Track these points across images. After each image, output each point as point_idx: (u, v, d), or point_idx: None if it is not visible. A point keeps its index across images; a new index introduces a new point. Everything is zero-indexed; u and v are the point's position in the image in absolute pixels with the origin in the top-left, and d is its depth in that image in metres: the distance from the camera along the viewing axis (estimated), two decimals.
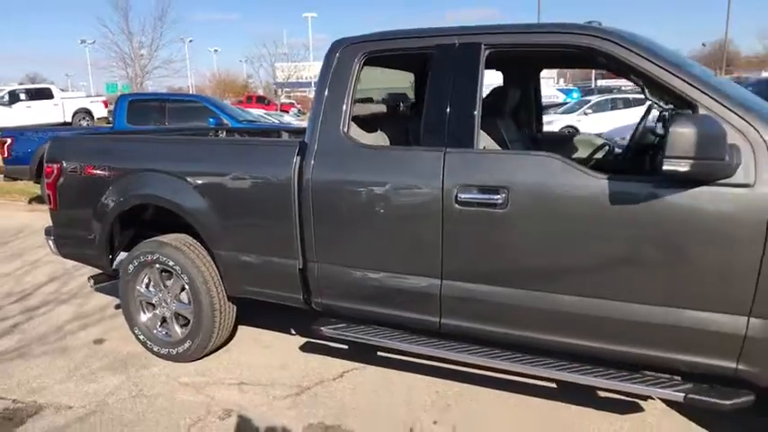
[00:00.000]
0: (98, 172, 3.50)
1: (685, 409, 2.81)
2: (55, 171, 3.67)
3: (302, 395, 3.09)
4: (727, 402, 2.25)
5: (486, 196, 2.47)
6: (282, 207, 2.93)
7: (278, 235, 2.99)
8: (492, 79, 3.67)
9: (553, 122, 16.20)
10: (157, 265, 3.41)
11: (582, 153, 3.99)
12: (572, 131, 14.91)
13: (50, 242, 3.88)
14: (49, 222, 3.87)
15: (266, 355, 3.60)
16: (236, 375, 3.33)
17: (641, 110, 14.90)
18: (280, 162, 2.92)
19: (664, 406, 2.86)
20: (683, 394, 2.29)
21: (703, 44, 56.40)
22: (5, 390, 3.18)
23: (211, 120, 8.42)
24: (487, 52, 2.61)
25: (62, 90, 25.58)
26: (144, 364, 3.48)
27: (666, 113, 2.72)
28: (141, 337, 3.57)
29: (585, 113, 17.31)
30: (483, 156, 2.58)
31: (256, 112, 15.00)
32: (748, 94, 2.58)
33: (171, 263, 3.33)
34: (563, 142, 4.26)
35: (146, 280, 3.53)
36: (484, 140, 3.00)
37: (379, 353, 3.46)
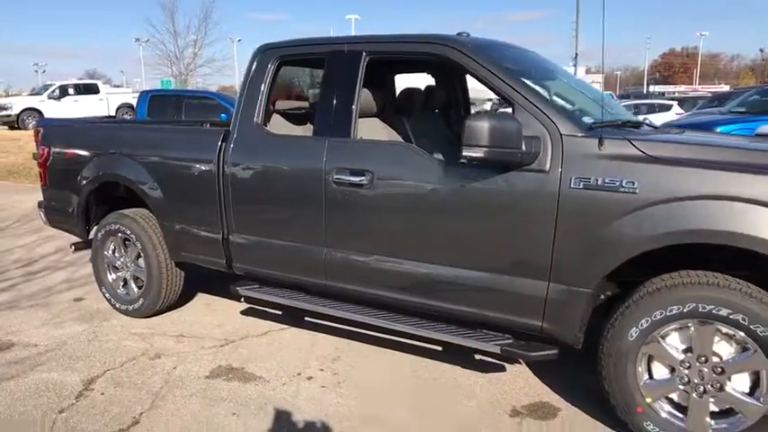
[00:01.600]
0: (77, 154, 4.17)
1: (538, 370, 3.22)
2: (45, 153, 4.37)
3: (225, 346, 3.65)
4: (533, 354, 2.68)
5: (355, 178, 2.96)
6: (209, 185, 3.49)
7: (206, 209, 3.55)
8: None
9: None
10: (120, 234, 4.04)
11: None
12: None
13: (41, 213, 4.59)
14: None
15: (210, 316, 4.18)
16: (178, 330, 3.92)
17: (665, 115, 14.77)
18: (207, 148, 3.49)
19: (522, 367, 3.27)
20: (500, 347, 2.72)
21: (761, 50, 54.30)
22: None
23: (223, 115, 9.13)
24: (368, 58, 3.10)
25: (116, 86, 27.24)
26: (107, 318, 4.12)
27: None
28: (107, 295, 4.21)
29: None
30: (355, 144, 3.06)
31: None
32: (576, 95, 2.99)
33: (128, 232, 3.95)
34: None
35: (111, 246, 4.16)
36: (385, 134, 3.49)
37: (306, 318, 3.97)
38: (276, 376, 3.21)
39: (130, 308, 4.08)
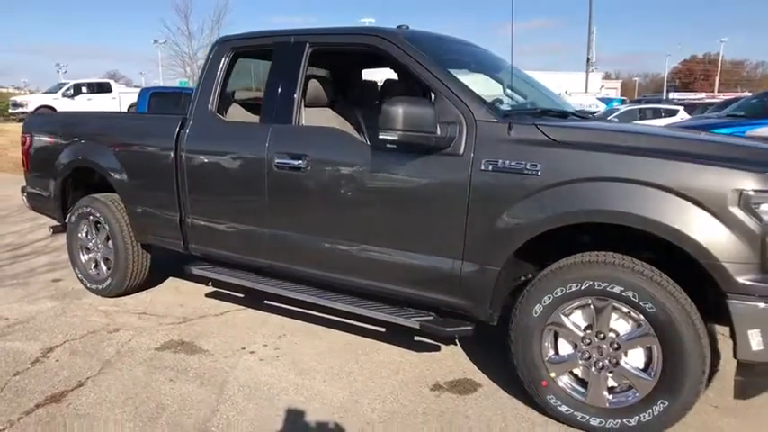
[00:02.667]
0: (53, 141, 4.40)
1: (470, 351, 3.35)
2: (27, 140, 4.62)
3: (182, 324, 3.83)
4: (448, 329, 2.81)
5: (294, 161, 3.13)
6: (167, 170, 3.69)
7: (165, 193, 3.74)
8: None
9: None
10: (91, 217, 4.26)
11: None
12: None
13: (24, 198, 4.84)
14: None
15: (175, 296, 4.37)
16: (142, 308, 4.12)
17: (670, 120, 14.73)
18: (165, 134, 3.69)
19: (457, 348, 3.40)
20: (419, 323, 2.86)
21: None
22: None
23: None
24: (311, 50, 3.26)
25: (136, 87, 27.82)
26: (78, 297, 4.33)
27: None
28: (79, 275, 4.43)
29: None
30: (294, 129, 3.23)
31: None
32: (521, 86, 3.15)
33: (99, 215, 4.17)
34: None
35: (84, 229, 4.38)
36: (336, 123, 3.64)
37: (265, 301, 4.14)
38: (221, 350, 3.38)
39: (100, 287, 4.29)
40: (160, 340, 3.53)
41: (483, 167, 2.59)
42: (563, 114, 3.17)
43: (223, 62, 3.59)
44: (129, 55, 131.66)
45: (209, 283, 4.57)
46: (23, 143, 4.68)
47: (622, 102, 24.25)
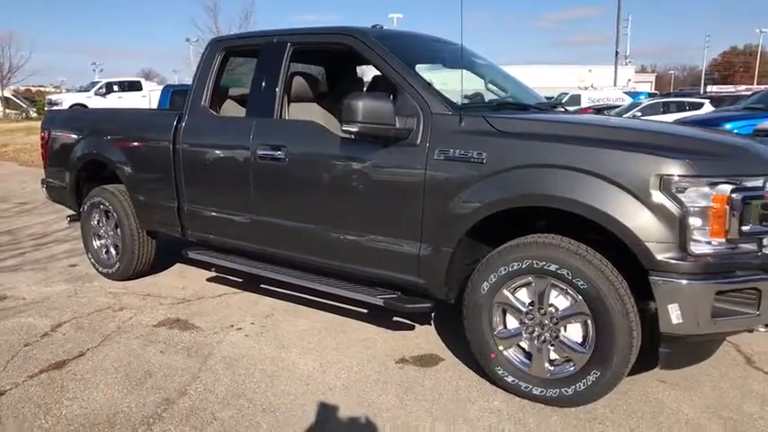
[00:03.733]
0: (69, 136, 4.77)
1: (442, 330, 3.57)
2: (46, 135, 5.01)
3: (181, 304, 4.15)
4: (408, 306, 3.05)
5: (274, 152, 3.39)
6: (166, 161, 4.00)
7: (164, 183, 4.06)
8: None
9: None
10: (102, 206, 4.61)
11: None
12: None
13: (43, 189, 5.24)
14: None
15: (179, 280, 4.70)
16: (147, 290, 4.45)
17: (695, 114, 14.66)
18: (164, 128, 4.00)
19: (429, 328, 3.62)
20: (383, 300, 3.09)
21: None
22: None
23: None
24: (292, 49, 3.52)
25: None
26: (90, 280, 4.70)
27: None
28: (92, 260, 4.80)
29: (635, 116, 17.07)
30: (275, 122, 3.49)
31: None
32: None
33: (108, 204, 4.52)
34: None
35: (96, 217, 4.74)
36: (321, 116, 3.89)
37: (261, 285, 4.43)
38: (211, 327, 3.68)
39: (110, 271, 4.65)
40: (158, 318, 3.85)
41: (436, 156, 2.81)
42: (523, 107, 3.36)
43: (216, 61, 3.88)
44: (164, 54, 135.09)
45: (212, 269, 4.87)
46: (42, 138, 5.07)
47: (649, 95, 23.88)
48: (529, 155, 2.59)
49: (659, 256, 2.33)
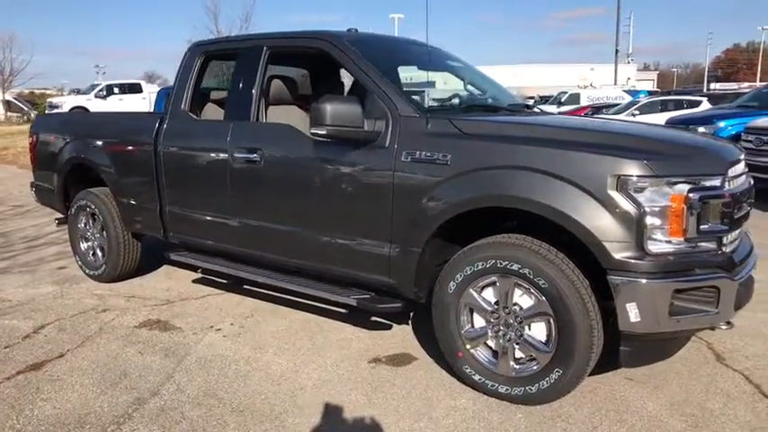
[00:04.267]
0: (55, 140, 4.83)
1: (419, 330, 3.61)
2: (34, 139, 5.07)
3: (164, 305, 4.20)
4: (380, 306, 3.09)
5: (250, 155, 3.44)
6: (148, 164, 4.05)
7: (146, 185, 4.12)
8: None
9: None
10: (88, 209, 4.67)
11: None
12: None
13: (33, 192, 5.30)
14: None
15: (164, 282, 4.76)
16: (132, 292, 4.51)
17: (690, 111, 14.53)
18: (147, 130, 4.05)
19: (407, 328, 3.66)
20: (356, 300, 3.14)
21: None
22: None
23: None
24: (268, 52, 3.57)
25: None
26: (77, 282, 4.76)
27: None
28: (79, 262, 4.86)
29: (633, 114, 17.06)
30: (251, 125, 3.54)
31: None
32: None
33: (93, 207, 4.58)
34: None
35: (83, 219, 4.80)
36: (301, 120, 3.93)
37: (245, 286, 4.48)
38: (192, 328, 3.73)
39: (96, 273, 4.70)
40: (140, 319, 3.90)
41: (404, 158, 2.85)
42: (494, 108, 3.39)
43: (195, 65, 3.93)
44: (167, 55, 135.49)
45: (198, 270, 4.92)
46: (31, 143, 5.13)
47: (648, 94, 23.87)
48: (491, 156, 2.63)
49: (617, 256, 2.36)
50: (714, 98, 18.41)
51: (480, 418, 2.63)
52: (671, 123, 10.63)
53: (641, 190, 2.36)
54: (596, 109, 19.59)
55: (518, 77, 53.29)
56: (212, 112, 4.18)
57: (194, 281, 4.73)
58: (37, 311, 4.08)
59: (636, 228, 2.35)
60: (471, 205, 2.66)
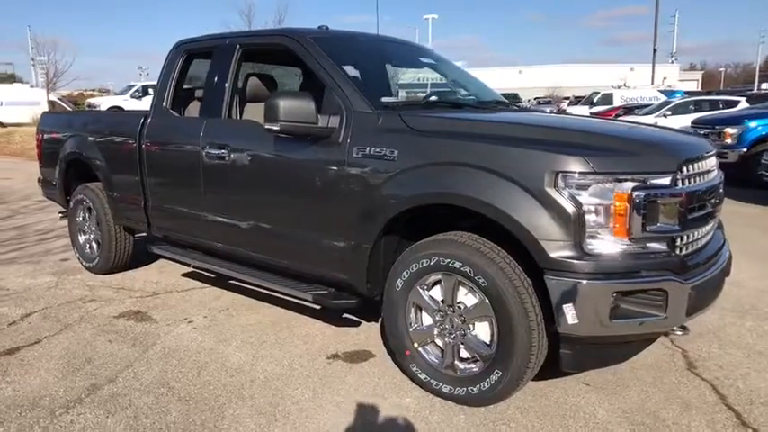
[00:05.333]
0: (57, 136, 5.02)
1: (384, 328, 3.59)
2: (40, 137, 5.29)
3: (148, 297, 4.31)
4: (334, 302, 3.09)
5: (219, 151, 3.49)
6: (134, 160, 4.17)
7: (133, 180, 4.23)
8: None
9: None
10: (84, 203, 4.84)
11: None
12: None
13: (40, 186, 5.52)
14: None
15: (156, 275, 4.88)
16: (122, 284, 4.64)
17: (723, 112, 14.06)
18: (132, 127, 4.17)
19: (375, 326, 3.64)
20: (312, 296, 3.14)
21: None
22: None
23: None
24: (241, 50, 3.62)
25: None
26: (75, 273, 4.93)
27: None
28: (77, 254, 5.03)
29: (665, 115, 16.55)
30: (221, 122, 3.59)
31: None
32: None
33: (88, 201, 4.74)
34: None
35: (81, 213, 4.97)
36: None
37: (230, 281, 4.55)
38: (166, 320, 3.81)
39: (91, 265, 4.87)
40: (120, 310, 4.02)
41: (355, 154, 2.84)
42: (457, 105, 3.35)
43: (177, 63, 4.02)
44: None
45: (191, 265, 5.03)
46: (37, 140, 5.35)
47: (685, 94, 23.06)
48: (434, 153, 2.59)
49: (553, 255, 2.29)
50: (756, 98, 17.65)
51: (421, 417, 2.60)
52: (697, 124, 10.26)
53: (581, 187, 2.29)
54: (628, 110, 19.05)
55: (555, 78, 52.39)
56: (196, 109, 4.26)
57: (183, 274, 4.84)
58: (29, 300, 4.25)
59: (574, 227, 2.28)
60: (415, 202, 2.63)
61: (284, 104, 2.85)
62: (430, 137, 2.65)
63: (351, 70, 3.27)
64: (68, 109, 25.72)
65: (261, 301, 4.11)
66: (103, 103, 21.70)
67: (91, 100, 23.91)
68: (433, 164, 2.57)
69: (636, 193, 2.28)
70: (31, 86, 28.35)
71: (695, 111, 16.25)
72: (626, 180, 2.31)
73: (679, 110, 16.38)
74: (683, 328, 2.55)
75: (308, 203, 3.09)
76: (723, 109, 15.89)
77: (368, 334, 3.53)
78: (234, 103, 3.65)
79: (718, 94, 23.71)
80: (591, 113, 21.75)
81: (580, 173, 2.28)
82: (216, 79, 3.67)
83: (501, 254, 2.48)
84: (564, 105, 30.22)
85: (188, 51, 4.02)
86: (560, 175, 2.29)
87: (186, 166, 3.77)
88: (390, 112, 2.87)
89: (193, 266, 4.24)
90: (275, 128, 2.89)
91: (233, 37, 3.70)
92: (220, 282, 4.50)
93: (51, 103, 24.21)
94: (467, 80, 3.95)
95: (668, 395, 2.78)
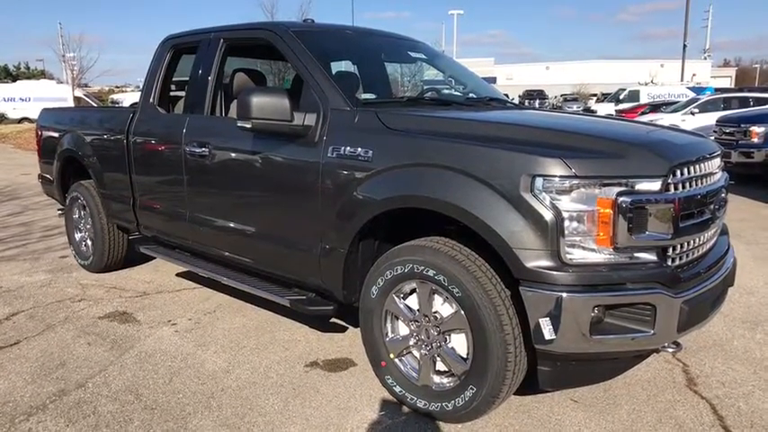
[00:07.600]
0: (54, 133, 5.00)
1: None
2: (40, 133, 5.27)
3: (137, 297, 4.25)
4: (311, 308, 2.96)
5: (201, 149, 3.39)
6: (123, 157, 4.10)
7: (121, 178, 4.16)
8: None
9: (656, 122, 15.35)
10: (79, 200, 4.80)
11: None
12: None
13: (40, 183, 5.52)
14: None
15: (150, 275, 4.82)
16: (114, 283, 4.59)
17: (749, 109, 13.61)
18: (120, 124, 4.10)
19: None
20: (289, 301, 3.02)
21: None
22: None
23: None
24: (225, 44, 3.51)
25: None
26: (70, 271, 4.90)
27: None
28: (73, 252, 5.00)
29: (692, 113, 16.02)
30: (203, 119, 3.49)
31: None
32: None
33: (83, 198, 4.70)
34: None
35: (76, 211, 4.94)
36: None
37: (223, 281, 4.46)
38: (150, 322, 3.73)
39: (86, 263, 4.83)
40: (107, 310, 3.95)
41: (330, 154, 2.70)
42: (445, 102, 3.18)
43: (164, 59, 3.93)
44: None
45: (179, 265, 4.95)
46: (37, 136, 5.33)
47: (714, 91, 22.35)
48: (410, 153, 2.44)
49: (529, 265, 2.12)
50: None
51: None
52: (722, 122, 9.85)
53: (560, 192, 2.11)
54: (654, 107, 18.51)
55: (583, 74, 51.42)
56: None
57: (177, 274, 4.77)
58: (19, 298, 4.22)
59: (552, 235, 2.10)
60: (388, 206, 2.48)
61: (256, 101, 2.72)
62: (404, 136, 2.50)
63: (335, 66, 3.12)
64: (93, 105, 26.17)
65: (249, 303, 4.01)
66: (126, 98, 21.94)
67: (114, 96, 24.23)
68: (406, 165, 2.42)
69: (621, 199, 2.09)
70: (59, 82, 28.88)
71: (724, 108, 15.68)
72: (610, 184, 2.12)
73: (708, 107, 15.82)
74: (676, 344, 2.35)
75: (285, 205, 2.97)
76: (754, 107, 15.31)
77: (352, 340, 3.39)
78: (218, 100, 3.54)
79: (750, 90, 22.90)
80: (616, 111, 21.20)
81: (560, 177, 2.10)
82: (199, 74, 3.57)
83: (477, 262, 2.32)
84: (591, 103, 29.59)
85: (175, 46, 3.93)
86: (537, 178, 2.11)
87: (170, 165, 3.68)
88: (368, 110, 2.72)
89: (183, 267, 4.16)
90: (247, 125, 2.76)
91: (217, 31, 3.58)
92: (213, 283, 4.40)
93: (77, 99, 24.60)
94: (463, 75, 3.77)
95: (661, 415, 2.58)
